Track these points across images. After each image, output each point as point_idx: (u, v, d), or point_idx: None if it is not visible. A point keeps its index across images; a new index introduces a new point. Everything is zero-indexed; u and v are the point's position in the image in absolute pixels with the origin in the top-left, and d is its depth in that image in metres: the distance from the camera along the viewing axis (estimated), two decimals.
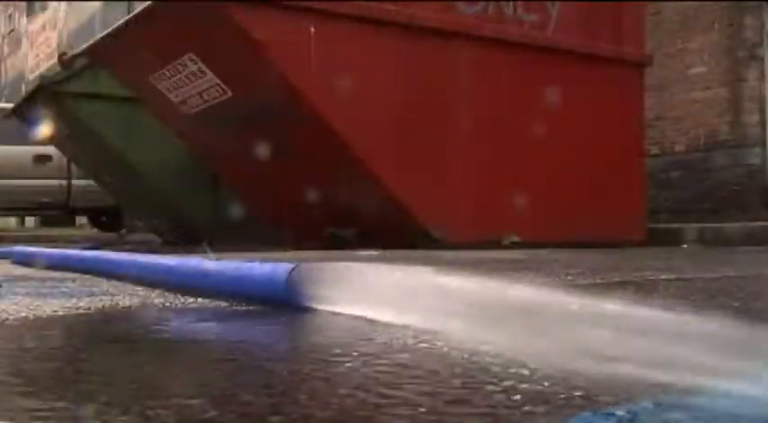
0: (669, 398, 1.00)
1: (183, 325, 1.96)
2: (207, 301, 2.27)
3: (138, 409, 0.97)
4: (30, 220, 22.83)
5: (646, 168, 7.88)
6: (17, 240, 10.27)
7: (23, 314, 2.01)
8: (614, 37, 7.20)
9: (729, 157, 9.55)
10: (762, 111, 9.30)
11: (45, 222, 21.33)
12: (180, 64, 6.02)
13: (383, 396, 1.07)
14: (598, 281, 2.86)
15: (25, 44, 12.25)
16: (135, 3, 6.22)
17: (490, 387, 1.09)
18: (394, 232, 5.94)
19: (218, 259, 2.50)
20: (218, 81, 5.92)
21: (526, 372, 1.17)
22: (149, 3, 5.72)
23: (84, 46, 7.00)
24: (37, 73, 10.45)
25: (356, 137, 5.74)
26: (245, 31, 5.35)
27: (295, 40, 5.54)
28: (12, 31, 13.86)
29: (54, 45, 10.18)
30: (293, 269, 1.99)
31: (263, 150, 5.71)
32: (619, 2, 7.21)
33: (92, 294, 2.56)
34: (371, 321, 1.73)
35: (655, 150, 10.02)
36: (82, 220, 20.09)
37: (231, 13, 5.31)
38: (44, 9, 11.18)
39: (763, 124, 9.31)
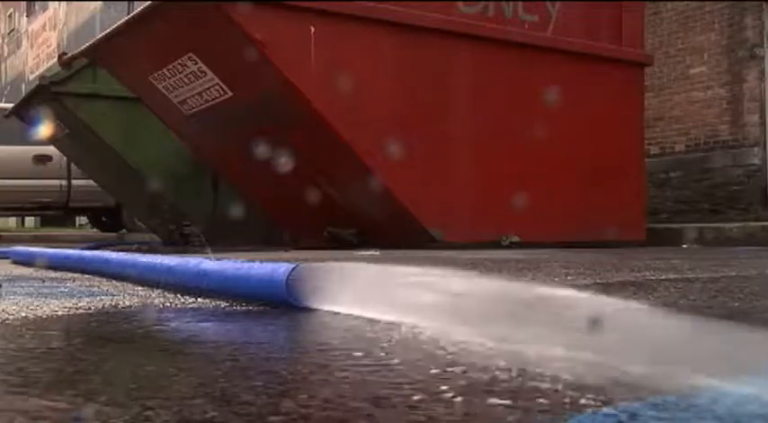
0: (669, 398, 1.00)
1: (182, 325, 1.96)
2: (207, 301, 2.27)
3: (138, 409, 0.97)
4: (30, 220, 22.85)
5: (646, 168, 7.88)
6: (17, 240, 10.28)
7: (23, 314, 2.01)
8: (614, 37, 7.20)
9: (729, 157, 9.56)
10: (762, 111, 9.30)
11: (45, 222, 21.34)
12: (180, 64, 6.02)
13: (383, 396, 1.07)
14: (598, 281, 2.86)
15: (25, 44, 12.25)
16: (135, 3, 6.22)
17: (490, 387, 1.09)
18: (394, 232, 5.95)
19: (218, 259, 2.50)
20: (218, 81, 5.93)
21: (527, 372, 1.17)
22: (149, 3, 5.72)
23: (84, 46, 7.00)
24: (37, 73, 10.46)
25: (356, 136, 5.74)
26: (245, 31, 5.35)
27: (295, 40, 5.54)
28: (12, 31, 13.87)
29: (54, 45, 10.19)
30: (293, 269, 1.99)
31: (263, 150, 5.71)
32: (619, 2, 7.21)
33: (92, 294, 2.56)
34: (371, 321, 1.73)
35: (655, 150, 10.03)
36: (82, 220, 20.11)
37: (231, 13, 5.31)
38: (44, 9, 11.19)
39: (763, 124, 9.31)
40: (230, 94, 5.94)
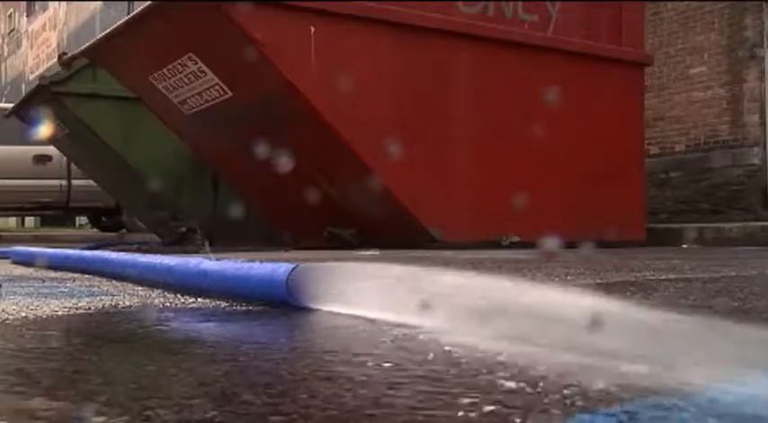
0: (669, 398, 1.00)
1: (182, 325, 1.96)
2: (207, 301, 2.27)
3: (138, 409, 0.97)
4: (30, 220, 22.84)
5: (646, 168, 7.88)
6: (17, 240, 10.28)
7: (23, 314, 2.01)
8: (614, 37, 7.20)
9: (729, 157, 9.56)
10: (762, 111, 9.30)
11: (45, 222, 21.34)
12: (180, 64, 6.02)
13: (383, 396, 1.07)
14: (598, 281, 2.86)
15: (25, 44, 12.26)
16: (135, 3, 6.22)
17: (490, 387, 1.09)
18: (394, 232, 5.94)
19: (218, 259, 2.50)
20: (218, 81, 5.93)
21: (526, 371, 1.17)
22: (149, 3, 5.72)
23: (84, 46, 7.00)
24: (37, 73, 10.46)
25: (356, 137, 5.74)
26: (245, 31, 5.35)
27: (295, 40, 5.54)
28: (12, 31, 13.89)
29: (54, 45, 10.20)
30: (293, 269, 1.99)
31: (263, 150, 5.71)
32: (619, 2, 7.21)
33: (92, 294, 2.56)
34: (371, 321, 1.73)
35: (655, 150, 10.03)
36: (82, 220, 20.11)
37: (231, 13, 5.31)
38: (44, 9, 11.20)
39: (764, 124, 9.31)
40: (230, 94, 5.94)
